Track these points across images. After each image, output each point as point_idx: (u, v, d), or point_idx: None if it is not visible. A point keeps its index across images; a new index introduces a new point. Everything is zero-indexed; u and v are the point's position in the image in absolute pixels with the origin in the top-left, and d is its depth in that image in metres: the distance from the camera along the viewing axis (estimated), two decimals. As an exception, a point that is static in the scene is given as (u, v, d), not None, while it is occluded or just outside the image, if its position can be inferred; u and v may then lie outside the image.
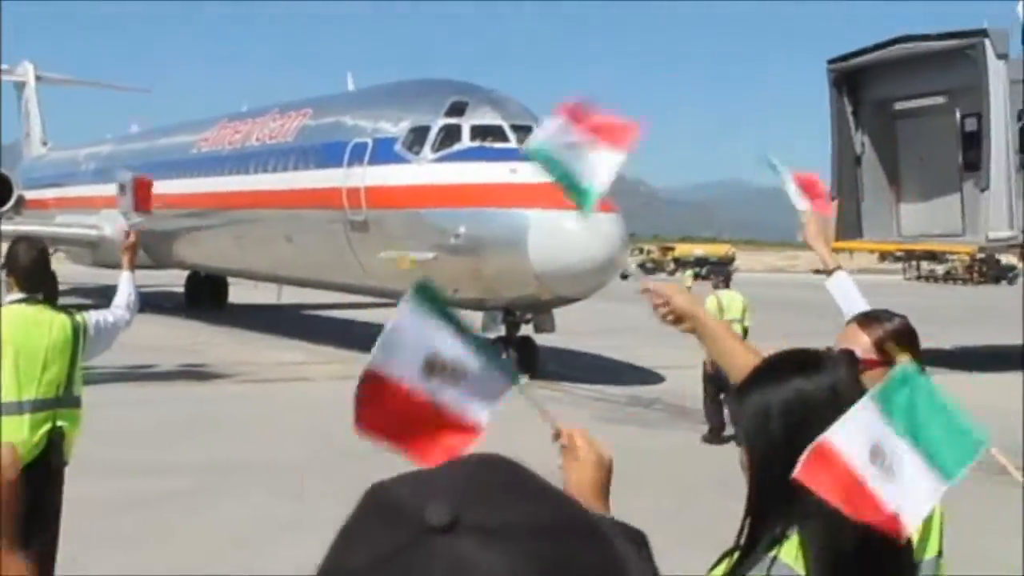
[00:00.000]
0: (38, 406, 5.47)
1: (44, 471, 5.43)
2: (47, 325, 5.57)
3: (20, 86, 44.90)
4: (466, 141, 18.45)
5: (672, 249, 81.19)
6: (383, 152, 19.46)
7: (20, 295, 5.61)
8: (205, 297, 32.42)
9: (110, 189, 31.29)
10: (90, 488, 9.09)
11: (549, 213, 16.95)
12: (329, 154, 20.93)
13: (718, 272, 15.76)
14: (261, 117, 25.51)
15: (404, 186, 18.76)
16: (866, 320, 3.33)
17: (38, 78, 44.76)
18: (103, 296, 30.06)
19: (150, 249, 29.58)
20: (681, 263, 71.29)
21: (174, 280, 34.02)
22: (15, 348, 5.42)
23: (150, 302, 35.04)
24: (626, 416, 14.41)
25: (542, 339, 18.56)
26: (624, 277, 20.30)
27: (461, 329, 2.18)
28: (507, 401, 2.20)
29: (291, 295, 29.32)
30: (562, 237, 16.55)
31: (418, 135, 18.99)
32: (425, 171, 18.54)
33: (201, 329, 25.36)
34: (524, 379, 2.26)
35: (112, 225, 30.45)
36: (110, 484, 9.24)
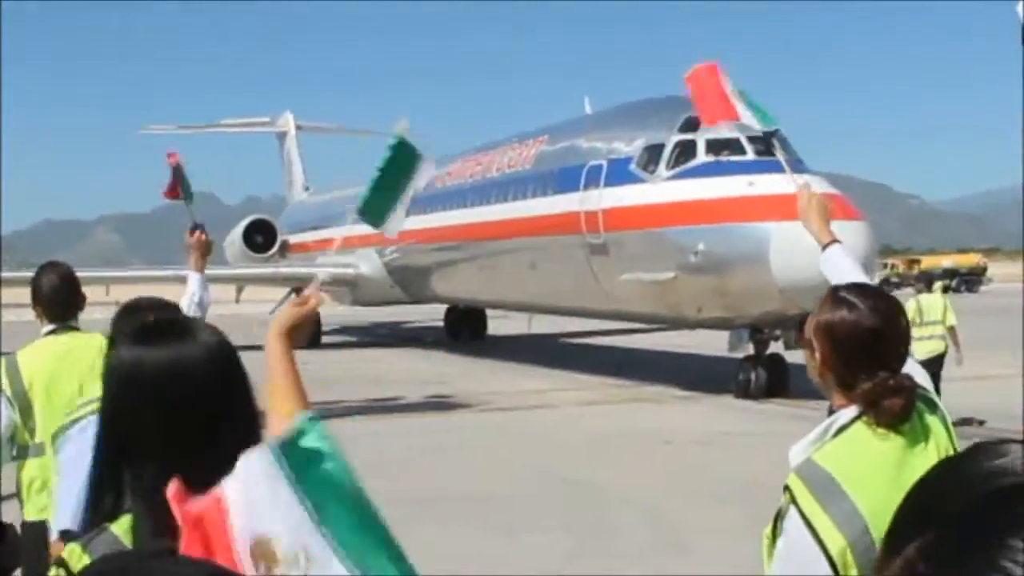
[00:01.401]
0: None
1: None
2: (81, 349, 5.06)
3: (282, 136, 47.06)
4: (701, 156, 17.92)
5: (918, 262, 77.91)
6: (618, 173, 19.15)
7: (50, 326, 5.21)
8: (464, 329, 32.96)
9: (364, 228, 32.23)
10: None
11: (790, 225, 16.19)
12: (565, 179, 20.78)
13: (920, 278, 16.18)
14: (500, 147, 25.68)
15: (641, 206, 18.38)
16: (829, 294, 2.86)
17: (298, 127, 46.80)
18: (368, 333, 31.01)
19: (406, 284, 30.30)
20: (928, 276, 68.54)
21: (437, 314, 34.81)
22: (45, 385, 4.99)
23: (412, 336, 36.06)
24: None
25: (793, 356, 17.77)
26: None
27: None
28: None
29: (545, 324, 29.37)
30: (805, 249, 15.65)
31: (653, 153, 18.59)
32: (661, 189, 18.10)
33: (455, 361, 25.66)
34: None
35: (368, 264, 31.32)
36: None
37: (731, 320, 17.53)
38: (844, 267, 3.57)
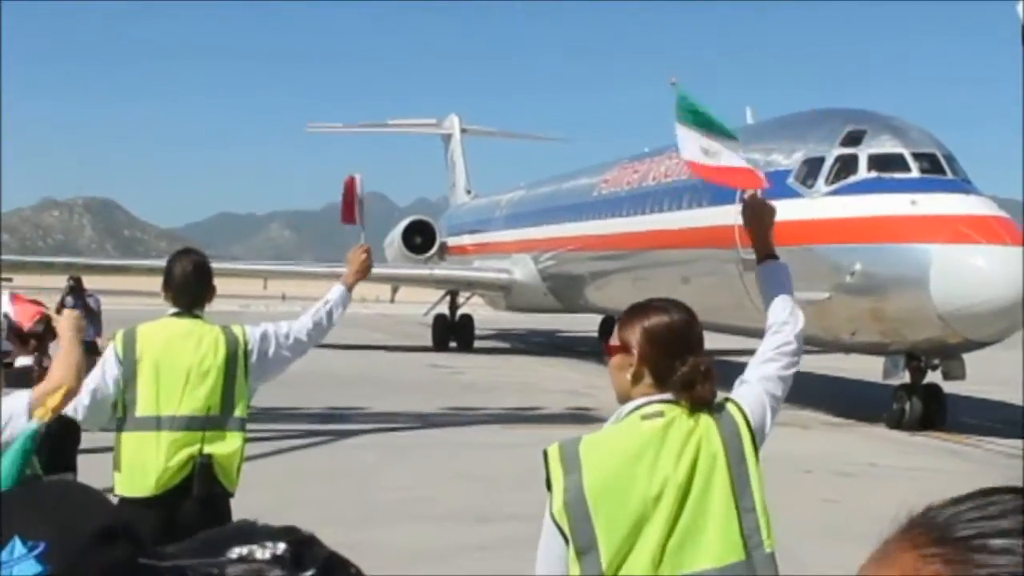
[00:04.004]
0: (179, 424, 4.96)
1: (182, 499, 4.94)
2: (196, 338, 5.08)
3: (446, 138, 47.36)
4: (863, 172, 17.11)
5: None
6: (775, 186, 18.39)
7: (175, 310, 5.23)
8: (618, 340, 32.50)
9: (520, 234, 32.14)
10: (409, 535, 8.86)
11: (953, 248, 15.36)
12: (721, 191, 20.12)
13: None
14: (659, 156, 25.16)
15: (796, 221, 17.55)
16: (638, 307, 3.29)
17: (463, 130, 47.02)
18: (523, 340, 30.79)
19: (559, 292, 30.04)
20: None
21: (593, 324, 34.40)
22: (155, 361, 5.00)
23: (565, 346, 35.77)
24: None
25: (952, 387, 16.83)
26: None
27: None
28: None
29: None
30: (968, 274, 14.91)
31: (812, 167, 17.86)
32: (818, 205, 17.34)
33: (606, 372, 25.17)
34: None
35: (522, 270, 31.17)
36: (429, 530, 8.94)
37: (887, 346, 16.69)
38: (774, 285, 3.78)
